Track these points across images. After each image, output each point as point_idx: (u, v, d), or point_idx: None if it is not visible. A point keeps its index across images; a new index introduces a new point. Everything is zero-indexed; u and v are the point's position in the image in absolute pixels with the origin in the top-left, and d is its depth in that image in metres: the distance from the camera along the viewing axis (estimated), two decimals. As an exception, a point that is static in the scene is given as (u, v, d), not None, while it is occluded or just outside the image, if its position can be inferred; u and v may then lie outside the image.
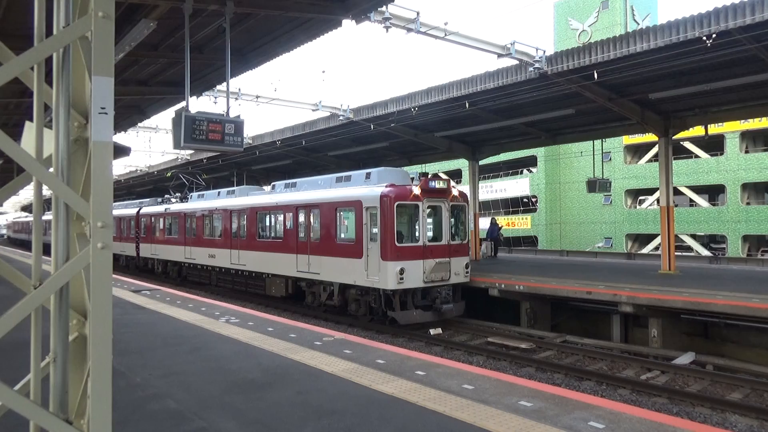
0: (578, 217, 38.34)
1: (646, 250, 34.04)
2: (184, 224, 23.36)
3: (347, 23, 8.29)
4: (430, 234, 14.05)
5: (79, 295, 2.20)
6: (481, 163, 23.90)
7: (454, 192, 14.47)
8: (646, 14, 38.67)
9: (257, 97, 17.83)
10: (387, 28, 10.82)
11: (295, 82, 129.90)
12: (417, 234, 13.70)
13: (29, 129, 2.54)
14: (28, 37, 2.33)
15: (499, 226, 26.52)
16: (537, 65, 13.23)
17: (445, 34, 11.69)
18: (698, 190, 33.32)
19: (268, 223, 18.04)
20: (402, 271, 13.00)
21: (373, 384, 5.91)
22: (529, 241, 39.78)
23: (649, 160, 34.49)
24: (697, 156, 32.91)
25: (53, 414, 2.02)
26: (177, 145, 7.44)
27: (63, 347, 2.12)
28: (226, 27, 7.73)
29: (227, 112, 8.03)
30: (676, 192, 29.31)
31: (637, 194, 36.54)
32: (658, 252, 23.80)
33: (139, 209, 28.37)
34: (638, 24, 36.23)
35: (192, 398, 5.52)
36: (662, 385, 9.37)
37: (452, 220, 14.33)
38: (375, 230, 13.39)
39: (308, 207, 15.82)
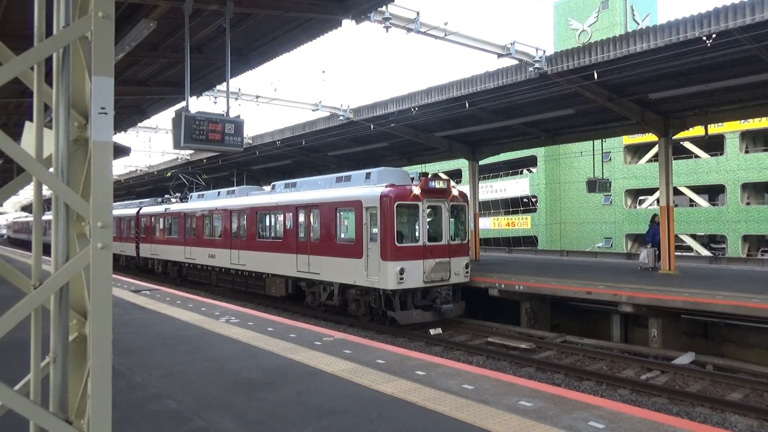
0: (578, 217, 38.33)
1: (645, 250, 33.99)
2: (184, 224, 23.35)
3: (347, 23, 8.30)
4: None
5: (79, 295, 2.20)
6: (481, 163, 23.88)
7: (454, 192, 14.47)
8: (646, 14, 38.64)
9: (257, 97, 17.82)
10: (387, 28, 10.81)
11: (295, 82, 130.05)
12: (417, 234, 13.69)
13: (29, 129, 2.54)
14: (28, 37, 2.33)
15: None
16: (537, 65, 13.23)
17: (445, 34, 11.69)
18: (698, 190, 33.30)
19: (268, 223, 18.04)
20: (402, 271, 13.00)
21: (373, 384, 5.91)
22: (529, 241, 39.77)
23: (649, 160, 34.47)
24: (697, 156, 32.89)
25: (53, 414, 2.02)
26: (177, 145, 7.44)
27: (63, 347, 2.12)
28: (226, 27, 7.73)
29: (227, 112, 8.02)
30: (676, 192, 29.31)
31: (637, 194, 36.52)
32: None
33: (139, 209, 28.37)
34: (638, 24, 36.21)
35: (192, 398, 5.51)
36: (662, 385, 9.37)
37: (452, 220, 14.33)
38: (375, 230, 13.39)
39: (308, 207, 15.82)
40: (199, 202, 23.44)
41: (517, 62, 13.48)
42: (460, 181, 39.73)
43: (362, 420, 4.85)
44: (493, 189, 42.38)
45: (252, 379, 6.17)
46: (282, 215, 17.25)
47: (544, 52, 13.39)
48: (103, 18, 1.96)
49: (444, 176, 23.34)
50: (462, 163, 37.56)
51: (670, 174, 16.64)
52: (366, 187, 14.27)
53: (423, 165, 26.05)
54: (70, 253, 2.13)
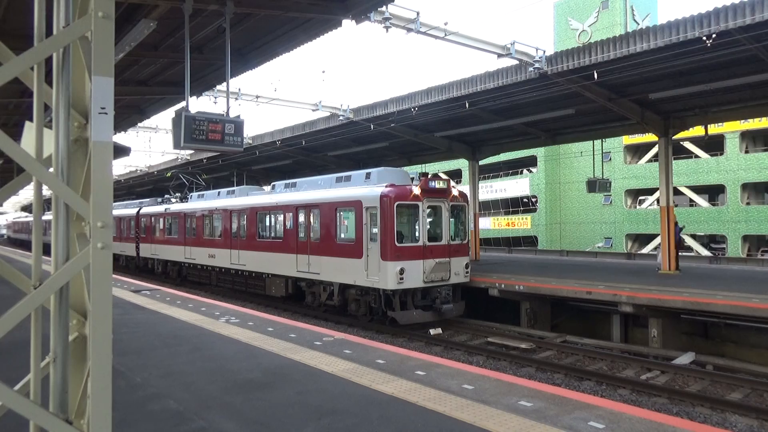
0: (578, 217, 38.33)
1: (646, 250, 34.03)
2: (184, 224, 23.36)
3: (347, 23, 8.30)
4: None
5: (79, 295, 2.20)
6: (481, 163, 23.89)
7: (454, 192, 14.47)
8: (646, 14, 38.66)
9: (257, 97, 17.83)
10: (387, 28, 10.82)
11: (295, 82, 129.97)
12: (417, 234, 13.70)
13: (29, 129, 2.54)
14: (28, 37, 2.33)
15: (681, 226, 17.72)
16: (537, 65, 13.23)
17: (445, 34, 11.69)
18: (698, 190, 33.31)
19: (268, 223, 18.04)
20: (402, 271, 13.00)
21: (373, 384, 5.91)
22: (529, 241, 39.78)
23: (649, 160, 34.48)
24: (697, 156, 32.90)
25: (53, 414, 2.02)
26: (177, 145, 7.43)
27: (63, 347, 2.12)
28: (226, 27, 7.73)
29: (227, 112, 8.02)
30: (676, 192, 29.30)
31: (637, 194, 36.53)
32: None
33: (139, 209, 28.38)
34: (638, 24, 36.22)
35: (192, 398, 5.51)
36: (662, 385, 9.37)
37: (452, 220, 14.33)
38: (375, 230, 13.39)
39: (308, 207, 15.82)
40: (199, 202, 23.44)
41: (517, 62, 13.48)
42: (460, 181, 39.73)
43: (362, 420, 4.85)
44: (493, 189, 42.39)
45: (252, 379, 6.17)
46: (282, 215, 17.25)
47: (544, 52, 13.39)
48: (103, 18, 1.96)
49: (444, 176, 23.33)
50: (462, 163, 37.57)
51: (670, 174, 16.65)
52: (366, 187, 14.27)
53: (423, 165, 26.06)
54: (70, 253, 2.13)
